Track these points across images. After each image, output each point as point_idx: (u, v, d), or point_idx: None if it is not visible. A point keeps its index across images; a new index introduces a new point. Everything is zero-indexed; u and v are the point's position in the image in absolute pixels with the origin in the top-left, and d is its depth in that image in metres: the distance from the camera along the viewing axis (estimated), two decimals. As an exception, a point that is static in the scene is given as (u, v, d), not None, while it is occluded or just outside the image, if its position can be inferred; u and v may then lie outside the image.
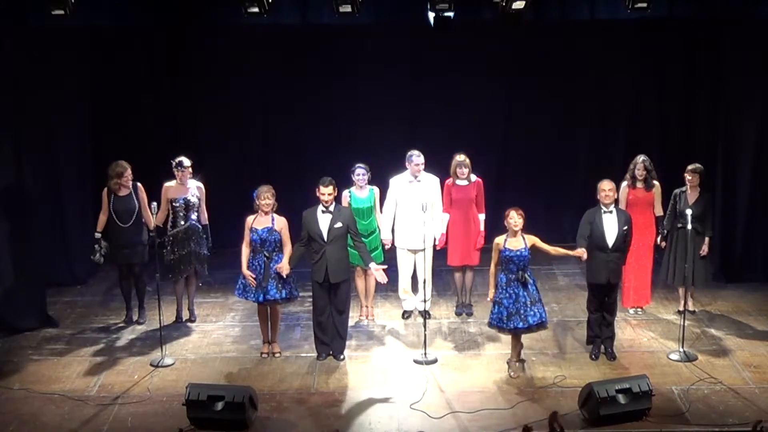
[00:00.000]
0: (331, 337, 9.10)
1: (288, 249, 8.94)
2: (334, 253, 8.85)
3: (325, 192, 8.79)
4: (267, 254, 8.89)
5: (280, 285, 8.89)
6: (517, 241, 8.48)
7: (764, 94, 10.65)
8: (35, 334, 9.74)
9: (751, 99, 10.72)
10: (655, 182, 9.81)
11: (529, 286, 8.52)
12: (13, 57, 9.68)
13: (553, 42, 11.71)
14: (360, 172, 9.67)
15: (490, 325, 8.76)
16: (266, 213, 8.89)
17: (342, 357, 9.09)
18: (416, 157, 9.75)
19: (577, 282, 10.90)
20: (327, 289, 8.95)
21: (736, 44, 10.59)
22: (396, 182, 9.88)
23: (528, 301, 8.49)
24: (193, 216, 9.72)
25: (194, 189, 9.72)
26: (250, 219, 8.96)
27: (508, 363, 8.80)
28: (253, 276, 8.89)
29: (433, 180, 9.90)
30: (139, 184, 9.73)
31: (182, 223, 9.69)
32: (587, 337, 9.16)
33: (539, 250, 8.62)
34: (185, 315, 10.05)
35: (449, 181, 9.91)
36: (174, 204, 9.65)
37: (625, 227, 8.81)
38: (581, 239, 8.78)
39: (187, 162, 9.62)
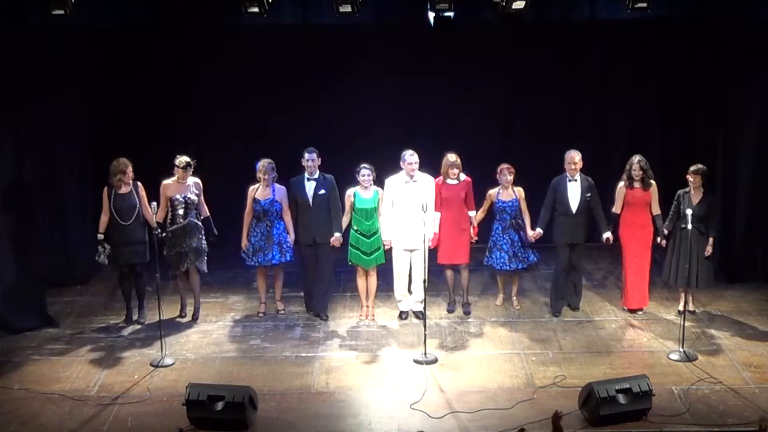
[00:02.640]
0: (317, 295, 9.98)
1: (288, 218, 9.85)
2: (319, 217, 9.74)
3: (309, 159, 9.64)
4: (269, 222, 9.74)
5: (282, 249, 9.79)
6: (508, 193, 9.84)
7: (764, 93, 10.64)
8: (35, 334, 9.74)
9: (750, 99, 10.71)
10: (652, 181, 9.80)
11: (521, 231, 9.83)
12: (13, 57, 9.68)
13: (553, 42, 11.69)
14: (365, 173, 9.67)
15: (489, 264, 10.01)
16: (267, 185, 9.63)
17: (325, 317, 9.98)
18: (409, 156, 9.73)
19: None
20: (314, 250, 9.82)
21: (735, 44, 10.58)
22: (391, 182, 9.86)
23: (524, 243, 9.84)
24: (192, 213, 9.74)
25: (192, 186, 9.74)
26: (252, 189, 9.77)
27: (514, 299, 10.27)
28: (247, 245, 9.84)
29: (428, 180, 9.89)
30: (139, 183, 9.74)
31: (181, 220, 9.71)
32: (551, 302, 10.09)
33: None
34: (189, 311, 10.06)
35: (438, 180, 9.92)
36: (173, 201, 9.67)
37: (588, 194, 9.69)
38: (546, 211, 9.83)
39: (192, 162, 9.68)
